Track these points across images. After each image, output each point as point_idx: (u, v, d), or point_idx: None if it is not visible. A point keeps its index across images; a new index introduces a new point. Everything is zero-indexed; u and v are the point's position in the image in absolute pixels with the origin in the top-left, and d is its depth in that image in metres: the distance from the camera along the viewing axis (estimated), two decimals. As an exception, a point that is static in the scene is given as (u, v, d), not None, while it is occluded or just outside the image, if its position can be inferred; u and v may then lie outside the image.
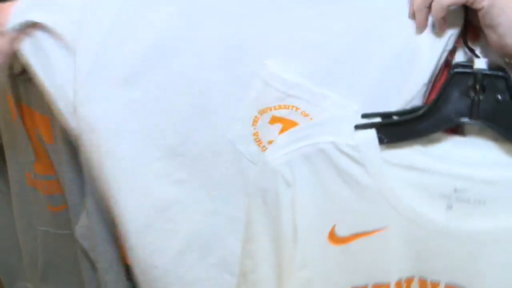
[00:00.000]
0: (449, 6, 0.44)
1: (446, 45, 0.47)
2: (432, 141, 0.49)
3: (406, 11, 0.48)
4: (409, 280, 0.53)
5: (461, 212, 0.48)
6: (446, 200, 0.48)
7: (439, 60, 0.47)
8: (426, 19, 0.47)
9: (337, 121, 0.50)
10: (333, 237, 0.52)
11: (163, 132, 0.55)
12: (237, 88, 0.52)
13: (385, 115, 0.49)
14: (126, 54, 0.53)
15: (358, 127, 0.48)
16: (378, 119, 0.49)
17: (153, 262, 0.58)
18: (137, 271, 0.60)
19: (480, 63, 0.45)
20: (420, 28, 0.47)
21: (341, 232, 0.52)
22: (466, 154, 0.49)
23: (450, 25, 0.47)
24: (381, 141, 0.48)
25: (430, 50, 0.47)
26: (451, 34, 0.47)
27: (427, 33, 0.47)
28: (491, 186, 0.47)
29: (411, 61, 0.47)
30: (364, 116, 0.50)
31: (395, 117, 0.49)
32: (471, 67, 0.46)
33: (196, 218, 0.58)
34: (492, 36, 0.45)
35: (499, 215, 0.47)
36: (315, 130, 0.50)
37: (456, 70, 0.46)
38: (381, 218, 0.50)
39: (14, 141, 0.81)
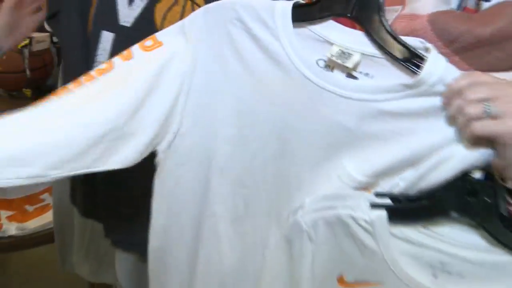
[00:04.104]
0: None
1: None
2: (433, 224, 0.57)
3: None
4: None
5: (444, 281, 0.57)
6: (432, 269, 0.57)
7: None
8: None
9: (356, 197, 0.58)
10: (342, 281, 0.61)
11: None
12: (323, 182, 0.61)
13: (393, 197, 0.57)
14: None
15: (372, 206, 0.57)
16: (387, 199, 0.57)
17: None
18: None
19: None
20: None
21: (348, 278, 0.61)
22: (453, 236, 0.57)
23: None
24: (389, 220, 0.56)
25: None
26: None
27: None
28: (470, 265, 0.55)
29: None
30: (377, 194, 0.58)
31: (400, 199, 0.57)
32: None
33: None
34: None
35: (475, 289, 0.56)
36: (338, 202, 0.58)
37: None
38: (379, 274, 0.59)
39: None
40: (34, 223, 1.42)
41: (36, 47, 1.66)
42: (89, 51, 0.81)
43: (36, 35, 1.64)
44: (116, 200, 0.88)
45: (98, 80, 0.62)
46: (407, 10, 0.63)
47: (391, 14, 0.64)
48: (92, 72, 0.63)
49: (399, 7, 0.64)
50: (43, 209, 1.47)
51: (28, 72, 1.65)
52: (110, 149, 0.60)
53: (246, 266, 0.67)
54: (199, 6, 0.72)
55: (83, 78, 0.63)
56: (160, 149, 0.64)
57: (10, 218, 1.41)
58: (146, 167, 0.69)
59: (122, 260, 0.97)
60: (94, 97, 0.61)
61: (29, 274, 1.87)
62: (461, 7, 0.61)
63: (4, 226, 1.39)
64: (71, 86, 0.62)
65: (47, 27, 1.01)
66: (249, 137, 0.63)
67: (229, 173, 0.65)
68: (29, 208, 1.44)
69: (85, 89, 0.62)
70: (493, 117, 0.48)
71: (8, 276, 1.91)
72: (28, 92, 1.71)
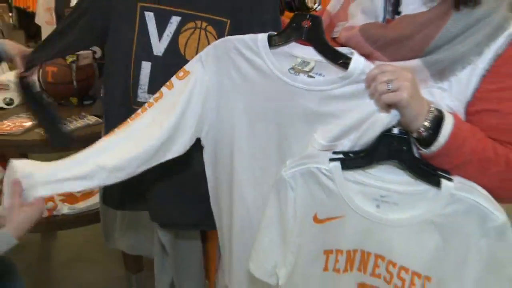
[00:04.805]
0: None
1: None
2: (370, 168, 0.83)
3: None
4: (355, 251, 0.86)
5: (384, 209, 0.82)
6: (376, 202, 0.83)
7: None
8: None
9: (320, 155, 0.85)
10: (316, 219, 0.87)
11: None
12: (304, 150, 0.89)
13: (344, 153, 0.84)
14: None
15: (331, 160, 0.84)
16: (341, 155, 0.84)
17: None
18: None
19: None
20: None
21: (320, 216, 0.87)
22: (386, 176, 0.82)
23: None
24: (342, 168, 0.83)
25: None
26: None
27: None
28: (400, 195, 0.80)
29: None
30: (334, 152, 0.85)
31: (351, 154, 0.84)
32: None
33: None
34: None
35: (404, 211, 0.80)
36: (308, 160, 0.85)
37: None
38: (341, 210, 0.84)
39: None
40: (83, 204, 1.73)
41: (82, 62, 1.96)
42: (129, 76, 1.10)
43: (82, 52, 1.95)
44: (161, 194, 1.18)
45: (156, 105, 0.95)
46: (348, 24, 0.93)
47: (341, 27, 0.94)
48: (151, 100, 0.96)
49: (345, 22, 0.95)
50: (90, 194, 1.80)
51: (75, 83, 1.94)
52: (169, 146, 0.93)
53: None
54: (211, 33, 1.06)
55: (146, 105, 0.96)
56: (202, 136, 0.97)
57: (62, 200, 1.76)
58: (181, 168, 1.00)
59: (163, 232, 1.28)
60: (156, 118, 0.94)
61: (73, 251, 2.28)
62: (385, 19, 0.91)
63: (58, 206, 1.73)
64: (140, 111, 0.95)
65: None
66: (256, 125, 0.93)
67: (246, 151, 0.95)
68: (77, 194, 1.78)
69: (149, 113, 0.95)
70: (393, 91, 0.76)
71: (56, 252, 2.33)
72: (74, 100, 2.00)
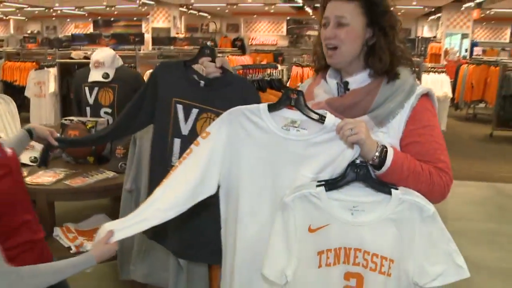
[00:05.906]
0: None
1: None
2: (343, 187, 1.22)
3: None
4: (340, 248, 1.22)
5: (356, 215, 1.19)
6: (350, 211, 1.21)
7: None
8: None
9: (309, 184, 1.23)
10: (310, 229, 1.23)
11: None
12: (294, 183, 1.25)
13: (326, 181, 1.23)
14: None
15: (317, 186, 1.22)
16: (324, 182, 1.23)
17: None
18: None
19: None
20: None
21: (313, 227, 1.23)
22: (356, 192, 1.20)
23: None
24: (326, 190, 1.21)
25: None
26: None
27: None
28: (366, 204, 1.19)
29: None
30: (319, 181, 1.24)
31: (330, 181, 1.23)
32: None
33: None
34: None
35: (369, 214, 1.19)
36: (302, 188, 1.22)
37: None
38: (327, 219, 1.21)
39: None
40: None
41: (99, 128, 2.39)
42: (167, 148, 1.58)
43: (99, 119, 2.41)
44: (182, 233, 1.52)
45: (187, 159, 1.32)
46: (315, 101, 1.37)
47: (310, 104, 1.36)
48: (184, 155, 1.33)
49: (312, 101, 1.38)
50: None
51: (93, 145, 2.33)
52: (202, 189, 1.29)
53: (263, 236, 1.28)
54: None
55: (181, 158, 1.32)
56: (220, 178, 1.32)
57: (86, 240, 2.08)
58: (197, 211, 1.35)
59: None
60: (188, 169, 1.30)
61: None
62: (340, 94, 1.35)
63: (84, 243, 2.04)
64: (177, 164, 1.32)
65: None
66: (256, 169, 1.30)
67: (247, 188, 1.31)
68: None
69: (183, 165, 1.32)
70: (355, 134, 1.17)
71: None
72: (91, 159, 2.38)
